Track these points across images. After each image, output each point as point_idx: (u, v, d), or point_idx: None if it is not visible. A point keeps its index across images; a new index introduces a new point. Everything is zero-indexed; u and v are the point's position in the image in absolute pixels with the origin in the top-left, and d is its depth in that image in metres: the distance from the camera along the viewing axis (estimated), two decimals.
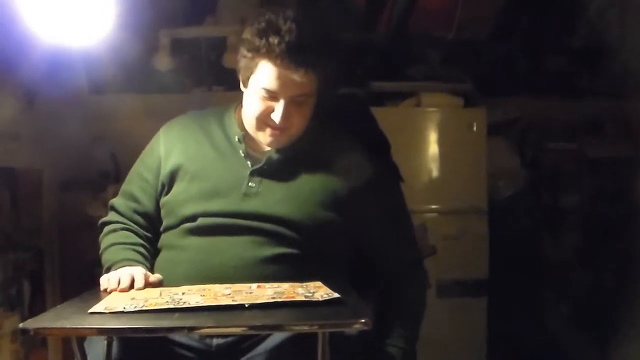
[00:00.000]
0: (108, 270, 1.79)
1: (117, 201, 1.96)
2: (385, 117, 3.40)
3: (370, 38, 3.82)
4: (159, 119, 2.13)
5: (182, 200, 1.85)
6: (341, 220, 1.85)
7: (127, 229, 1.91)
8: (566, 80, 3.89)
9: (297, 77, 1.73)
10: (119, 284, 1.63)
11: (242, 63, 1.82)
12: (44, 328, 1.37)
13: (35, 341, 3.03)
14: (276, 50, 1.71)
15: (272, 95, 1.77)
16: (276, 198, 1.83)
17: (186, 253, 1.80)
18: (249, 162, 1.88)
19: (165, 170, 1.90)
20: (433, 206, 3.51)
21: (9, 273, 2.87)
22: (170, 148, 1.93)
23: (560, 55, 3.90)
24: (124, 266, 1.74)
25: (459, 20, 3.78)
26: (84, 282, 1.74)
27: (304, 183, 1.87)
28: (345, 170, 1.89)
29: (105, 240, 1.91)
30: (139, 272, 1.67)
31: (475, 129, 3.48)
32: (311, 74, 1.75)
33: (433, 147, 3.53)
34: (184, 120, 2.02)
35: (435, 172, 3.53)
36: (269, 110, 1.79)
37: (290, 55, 1.71)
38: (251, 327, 1.38)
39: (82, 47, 2.53)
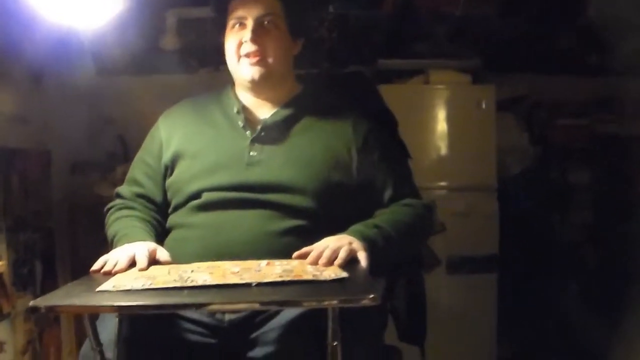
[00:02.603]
0: (112, 243, 1.81)
1: (121, 188, 1.99)
2: (393, 94, 3.41)
3: (377, 15, 3.79)
4: (165, 99, 2.15)
5: (186, 179, 1.87)
6: (345, 179, 1.87)
7: (130, 207, 1.92)
8: (575, 57, 3.86)
9: None
10: (115, 265, 1.62)
11: (215, 20, 1.98)
12: (54, 306, 1.39)
13: (48, 320, 3.06)
14: None
15: (241, 22, 1.89)
16: (279, 163, 1.85)
17: (195, 230, 1.80)
18: (248, 132, 1.90)
19: (167, 154, 1.92)
20: (442, 183, 3.51)
21: (21, 253, 2.89)
22: (170, 132, 1.96)
23: (569, 31, 3.87)
24: (128, 242, 1.73)
25: None
26: (95, 262, 1.74)
27: (304, 146, 1.89)
28: (342, 128, 1.93)
29: (110, 220, 1.92)
30: (141, 251, 1.65)
31: (484, 106, 3.46)
32: None
33: (441, 124, 3.52)
34: (182, 106, 2.06)
35: (443, 149, 3.52)
36: (241, 37, 1.89)
37: None
38: (260, 303, 1.38)
39: (89, 28, 2.53)
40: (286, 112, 1.94)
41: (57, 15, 2.36)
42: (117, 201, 1.96)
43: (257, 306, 1.42)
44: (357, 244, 1.65)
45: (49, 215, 3.22)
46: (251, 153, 1.87)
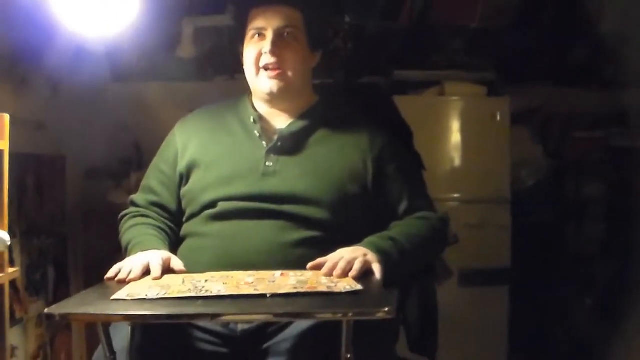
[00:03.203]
0: (126, 251, 1.81)
1: (135, 196, 1.99)
2: (408, 105, 3.40)
3: (393, 27, 3.80)
4: (181, 106, 2.16)
5: (201, 188, 1.87)
6: (360, 191, 1.86)
7: (144, 215, 1.92)
8: (590, 69, 3.85)
9: (279, 10, 1.89)
10: (129, 273, 1.62)
11: (235, 29, 1.97)
12: (68, 313, 1.40)
13: (59, 326, 3.06)
14: None
15: (261, 33, 1.89)
16: (294, 174, 1.84)
17: (209, 240, 1.80)
18: (264, 143, 1.90)
19: (183, 162, 1.92)
20: (456, 195, 3.50)
21: (34, 259, 2.91)
22: (186, 140, 1.95)
23: (584, 43, 3.86)
24: (142, 250, 1.73)
25: (483, 8, 3.75)
26: (107, 269, 1.75)
27: (320, 157, 1.89)
28: (358, 140, 1.93)
29: (124, 227, 1.92)
30: (155, 260, 1.65)
31: (498, 118, 3.46)
32: (293, 8, 1.91)
33: (456, 136, 3.52)
34: (199, 114, 2.06)
35: (458, 161, 3.51)
36: (260, 49, 1.88)
37: None
38: (274, 315, 1.37)
39: (106, 35, 2.54)
40: (302, 123, 1.93)
41: (76, 24, 2.38)
42: (132, 209, 1.96)
43: (271, 318, 1.42)
44: (371, 256, 1.64)
45: (62, 221, 3.24)
46: (267, 163, 1.86)
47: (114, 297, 1.41)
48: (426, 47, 3.74)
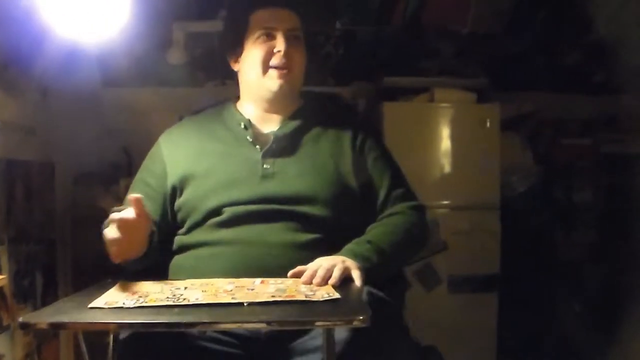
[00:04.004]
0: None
1: (116, 209, 1.92)
2: (398, 112, 3.48)
3: (383, 32, 3.81)
4: (172, 112, 2.16)
5: (201, 196, 1.87)
6: (350, 183, 1.91)
7: None
8: (581, 75, 3.86)
9: (284, 12, 1.95)
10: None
11: (232, 30, 2.00)
12: (41, 322, 1.38)
13: (47, 333, 3.05)
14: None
15: (270, 33, 1.93)
16: (293, 174, 1.88)
17: (222, 247, 1.81)
18: (257, 147, 1.93)
19: (175, 175, 1.92)
20: (445, 202, 3.50)
21: (22, 265, 2.90)
22: (173, 153, 1.96)
23: (575, 49, 3.86)
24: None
25: (474, 14, 3.76)
26: (96, 275, 1.74)
27: (313, 156, 1.94)
28: (342, 136, 1.99)
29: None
30: (124, 212, 1.63)
31: (488, 124, 3.46)
32: (295, 13, 1.98)
33: (446, 143, 3.52)
34: (183, 126, 2.09)
35: (447, 168, 3.51)
36: (271, 49, 1.92)
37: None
38: (249, 323, 1.38)
39: (96, 40, 2.53)
40: (294, 124, 1.98)
41: (66, 29, 2.38)
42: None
43: (246, 326, 1.42)
44: (350, 262, 1.66)
45: (51, 227, 3.23)
46: (264, 166, 1.89)
47: (91, 305, 1.42)
48: (416, 53, 3.74)
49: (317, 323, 1.35)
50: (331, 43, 3.73)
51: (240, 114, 2.01)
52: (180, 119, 2.27)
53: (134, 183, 2.00)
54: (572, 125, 3.88)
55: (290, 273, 1.65)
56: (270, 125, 2.00)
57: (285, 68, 1.93)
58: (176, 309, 1.38)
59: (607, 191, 3.77)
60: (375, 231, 1.86)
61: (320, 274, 1.59)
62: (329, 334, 1.41)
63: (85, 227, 3.32)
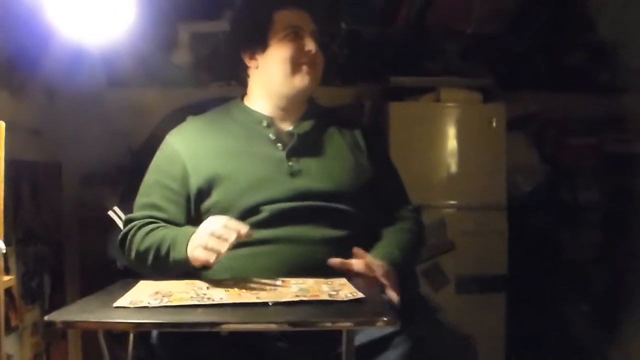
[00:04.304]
0: (157, 253, 1.75)
1: (135, 214, 1.91)
2: (403, 112, 3.47)
3: (389, 32, 3.80)
4: (177, 112, 2.15)
5: (235, 195, 1.85)
6: (369, 182, 1.95)
7: (152, 222, 1.86)
8: (586, 75, 3.85)
9: (304, 13, 1.98)
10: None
11: (254, 27, 1.98)
12: (68, 321, 1.38)
13: (55, 334, 3.05)
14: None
15: (298, 32, 1.94)
16: (318, 171, 1.91)
17: (263, 246, 1.80)
18: (279, 145, 1.93)
19: (199, 176, 1.89)
20: (452, 202, 3.49)
21: (30, 266, 2.89)
22: (192, 153, 1.92)
23: (580, 49, 3.86)
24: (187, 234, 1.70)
25: (478, 14, 3.75)
26: (103, 276, 1.73)
27: (333, 153, 1.97)
28: (353, 134, 2.05)
29: (137, 238, 1.84)
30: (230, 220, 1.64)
31: (494, 124, 3.46)
32: (311, 14, 2.00)
33: (452, 143, 3.51)
34: (193, 125, 2.04)
35: (454, 168, 3.51)
36: (301, 47, 1.93)
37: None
38: (276, 324, 1.37)
39: (102, 41, 2.53)
40: (310, 123, 2.00)
41: (72, 30, 2.37)
42: (135, 223, 1.88)
43: (271, 327, 1.42)
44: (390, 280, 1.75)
45: (58, 228, 3.23)
46: (289, 163, 1.90)
47: (116, 304, 1.41)
48: (422, 53, 3.74)
49: (340, 324, 1.35)
50: (336, 43, 3.72)
51: (259, 112, 2.00)
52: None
53: (150, 186, 1.94)
54: (578, 124, 3.87)
55: (337, 261, 1.71)
56: (285, 124, 2.01)
57: (313, 67, 1.95)
58: (199, 309, 1.38)
59: (613, 190, 3.77)
60: (398, 237, 1.93)
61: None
62: (348, 335, 1.40)
63: (92, 228, 3.32)
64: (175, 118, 2.13)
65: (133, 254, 1.83)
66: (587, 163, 3.82)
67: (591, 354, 3.39)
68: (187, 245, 1.68)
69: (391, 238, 1.91)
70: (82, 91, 3.31)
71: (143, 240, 1.82)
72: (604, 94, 3.83)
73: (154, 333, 1.61)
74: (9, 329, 2.62)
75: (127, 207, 2.02)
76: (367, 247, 1.83)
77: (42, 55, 2.89)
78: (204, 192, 1.88)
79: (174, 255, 1.71)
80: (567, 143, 3.85)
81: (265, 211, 1.82)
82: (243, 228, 1.60)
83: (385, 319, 1.31)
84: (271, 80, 1.98)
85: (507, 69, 3.74)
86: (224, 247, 1.58)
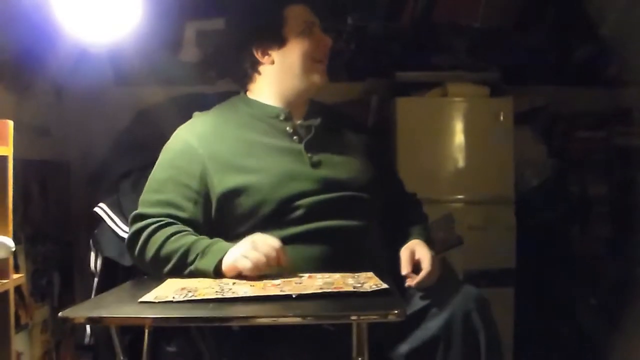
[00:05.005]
0: (184, 258, 1.72)
1: (151, 211, 1.84)
2: (411, 107, 3.47)
3: (395, 27, 3.79)
4: (184, 110, 2.15)
5: (268, 187, 1.82)
6: (377, 177, 1.99)
7: (172, 224, 1.81)
8: (594, 69, 3.84)
9: (308, 10, 2.01)
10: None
11: (266, 23, 1.99)
12: (100, 317, 1.39)
13: (64, 331, 3.06)
14: None
15: (311, 27, 1.97)
16: (335, 163, 1.93)
17: (305, 238, 1.80)
18: (295, 138, 1.95)
19: (222, 172, 1.85)
20: (459, 196, 3.49)
21: (39, 265, 2.90)
22: (210, 149, 1.89)
23: (587, 43, 3.85)
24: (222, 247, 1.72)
25: (485, 8, 3.74)
26: (111, 274, 1.73)
27: (344, 145, 2.01)
28: (357, 127, 2.12)
29: (152, 240, 1.78)
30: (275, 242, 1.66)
31: (502, 118, 3.45)
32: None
33: (459, 137, 3.50)
34: (203, 120, 2.02)
35: (461, 162, 3.50)
36: (317, 41, 1.96)
37: None
38: (283, 318, 1.38)
39: (109, 40, 2.54)
40: (319, 116, 2.03)
41: (78, 29, 2.38)
42: (151, 220, 1.82)
43: (280, 320, 1.42)
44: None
45: (67, 226, 3.23)
46: (309, 155, 1.92)
47: (141, 299, 1.42)
48: (428, 48, 3.73)
49: (352, 317, 1.35)
50: (343, 39, 3.72)
51: (274, 106, 2.00)
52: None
53: (162, 183, 1.89)
54: (586, 118, 3.85)
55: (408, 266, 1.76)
56: (296, 118, 2.03)
57: (325, 62, 1.99)
58: (225, 303, 1.39)
59: (622, 184, 3.75)
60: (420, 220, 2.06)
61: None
62: (359, 327, 1.40)
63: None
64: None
65: (149, 254, 1.77)
66: (595, 157, 3.81)
67: (600, 347, 3.38)
68: (221, 257, 1.66)
69: (416, 217, 2.04)
70: (89, 90, 3.32)
71: (165, 243, 1.76)
72: (611, 87, 3.82)
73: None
74: (19, 327, 2.63)
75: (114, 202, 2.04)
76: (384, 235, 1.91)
77: (49, 54, 2.91)
78: (231, 190, 1.83)
79: (200, 264, 1.68)
80: (575, 137, 3.84)
81: (303, 206, 1.81)
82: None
83: (396, 311, 1.31)
84: (289, 75, 1.98)
85: (514, 63, 3.72)
86: (265, 265, 1.61)
